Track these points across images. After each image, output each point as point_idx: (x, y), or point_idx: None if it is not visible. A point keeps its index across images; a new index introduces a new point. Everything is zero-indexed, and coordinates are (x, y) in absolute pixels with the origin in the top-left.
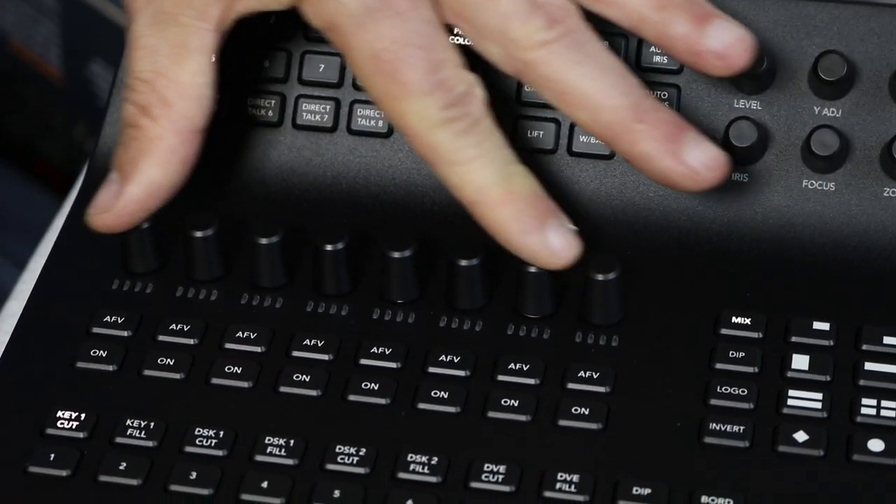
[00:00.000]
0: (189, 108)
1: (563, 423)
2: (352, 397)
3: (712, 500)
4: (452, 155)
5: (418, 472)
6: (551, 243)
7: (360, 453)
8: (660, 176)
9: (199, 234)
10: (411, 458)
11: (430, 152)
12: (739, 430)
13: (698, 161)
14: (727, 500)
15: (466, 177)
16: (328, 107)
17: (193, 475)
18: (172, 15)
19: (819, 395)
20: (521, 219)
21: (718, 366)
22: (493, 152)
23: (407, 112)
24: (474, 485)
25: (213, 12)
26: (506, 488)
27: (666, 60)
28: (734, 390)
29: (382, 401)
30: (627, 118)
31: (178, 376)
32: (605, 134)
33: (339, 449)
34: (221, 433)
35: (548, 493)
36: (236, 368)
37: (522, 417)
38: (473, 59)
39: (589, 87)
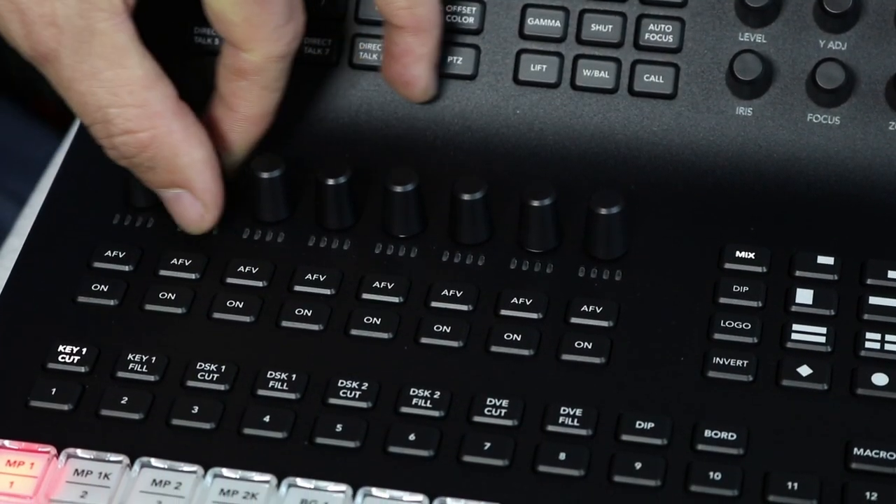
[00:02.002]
0: (158, 92)
1: (565, 357)
2: (354, 332)
3: (715, 435)
4: None
5: (421, 407)
6: None
7: (363, 388)
8: None
9: None
10: (414, 392)
11: None
12: (743, 364)
13: None
14: (730, 434)
15: None
16: (330, 41)
17: (195, 409)
18: (87, 28)
19: (823, 330)
20: None
21: (722, 300)
22: None
23: None
24: (477, 419)
25: (117, 2)
26: (508, 422)
27: None
28: (738, 324)
29: (385, 335)
30: None
31: (179, 311)
32: None
33: (342, 383)
34: (223, 368)
35: (551, 427)
36: (238, 303)
37: (525, 352)
38: None
39: None
